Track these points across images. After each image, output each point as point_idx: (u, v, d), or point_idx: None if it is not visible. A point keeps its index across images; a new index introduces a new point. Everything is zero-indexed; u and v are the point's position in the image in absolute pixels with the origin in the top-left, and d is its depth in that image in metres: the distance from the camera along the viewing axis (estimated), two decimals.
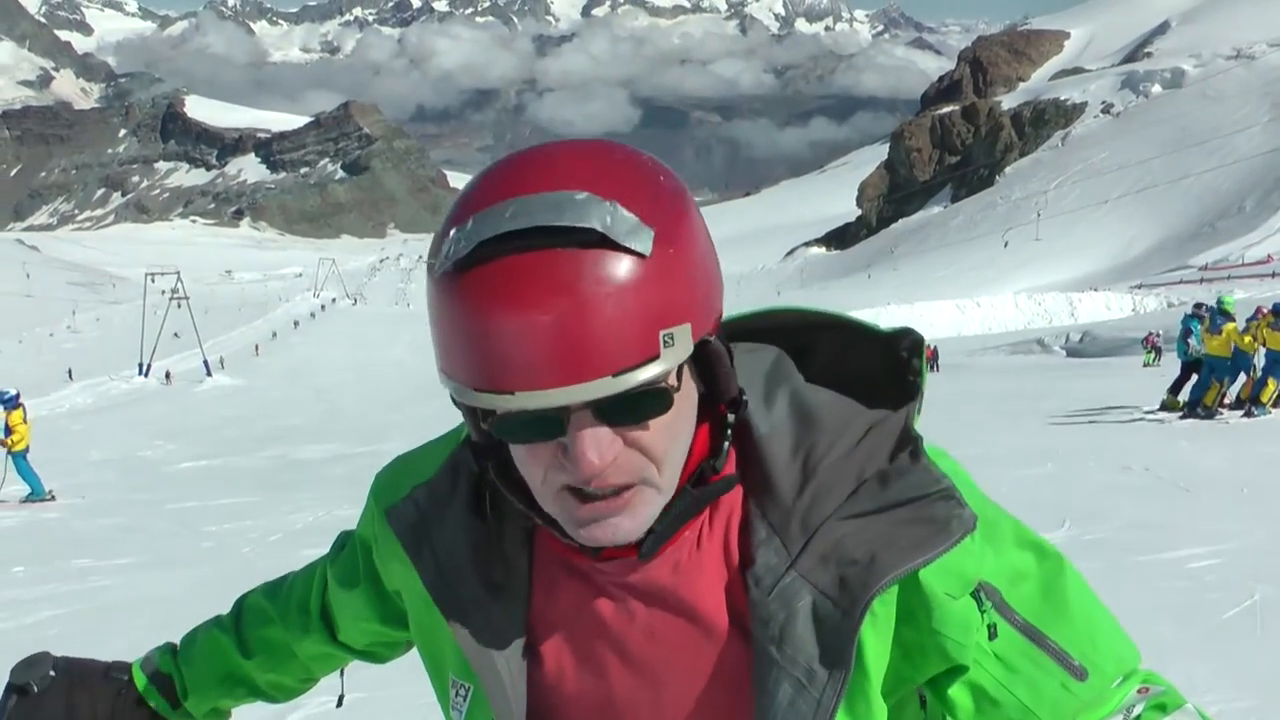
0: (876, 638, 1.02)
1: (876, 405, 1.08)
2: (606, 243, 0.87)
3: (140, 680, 1.44)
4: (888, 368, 1.10)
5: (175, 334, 77.69)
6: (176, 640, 1.52)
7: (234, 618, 1.50)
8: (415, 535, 1.18)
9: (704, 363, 0.98)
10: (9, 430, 17.28)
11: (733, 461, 1.07)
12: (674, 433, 0.97)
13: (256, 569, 9.86)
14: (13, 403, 17.75)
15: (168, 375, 58.45)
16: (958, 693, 1.07)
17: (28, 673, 1.34)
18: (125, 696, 1.42)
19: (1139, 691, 1.14)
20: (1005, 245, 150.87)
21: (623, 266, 0.87)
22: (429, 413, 28.00)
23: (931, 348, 40.18)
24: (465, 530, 1.14)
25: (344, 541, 1.44)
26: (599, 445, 0.91)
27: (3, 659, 5.40)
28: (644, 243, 0.88)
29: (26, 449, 17.22)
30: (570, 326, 0.86)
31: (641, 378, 0.88)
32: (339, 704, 1.53)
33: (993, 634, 1.05)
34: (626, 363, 0.88)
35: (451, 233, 0.91)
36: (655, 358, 0.89)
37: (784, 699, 1.00)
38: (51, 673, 1.36)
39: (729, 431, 1.03)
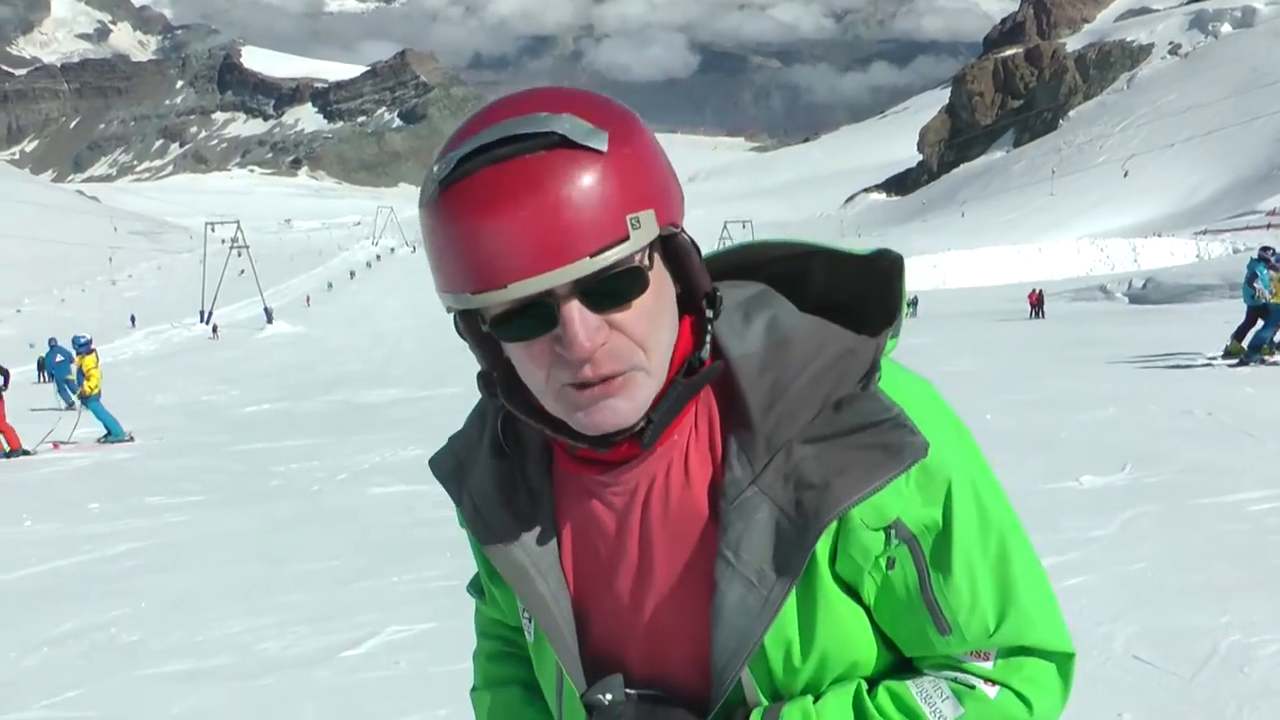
0: (824, 542, 1.13)
1: (862, 331, 1.16)
2: (567, 143, 0.99)
3: None
4: (876, 291, 1.19)
5: (241, 271, 78.38)
6: None
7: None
8: (455, 480, 1.32)
9: (674, 256, 1.10)
10: (82, 375, 17.72)
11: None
12: (656, 319, 1.06)
13: (324, 506, 10.15)
14: (85, 348, 18.19)
15: (215, 329, 58.37)
16: (864, 599, 1.17)
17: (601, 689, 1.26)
18: None
19: (984, 681, 1.17)
20: (1125, 175, 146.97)
21: (584, 162, 0.98)
22: None
23: (1036, 292, 39.57)
24: (492, 469, 1.27)
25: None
26: (588, 328, 1.01)
27: (86, 588, 5.69)
28: (600, 142, 1.00)
29: (99, 393, 17.66)
30: (546, 217, 0.97)
31: (615, 256, 0.99)
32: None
33: (890, 565, 1.13)
34: (600, 244, 0.98)
35: (435, 167, 1.03)
36: (625, 238, 0.99)
37: (734, 597, 1.11)
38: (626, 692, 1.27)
39: (709, 327, 1.13)
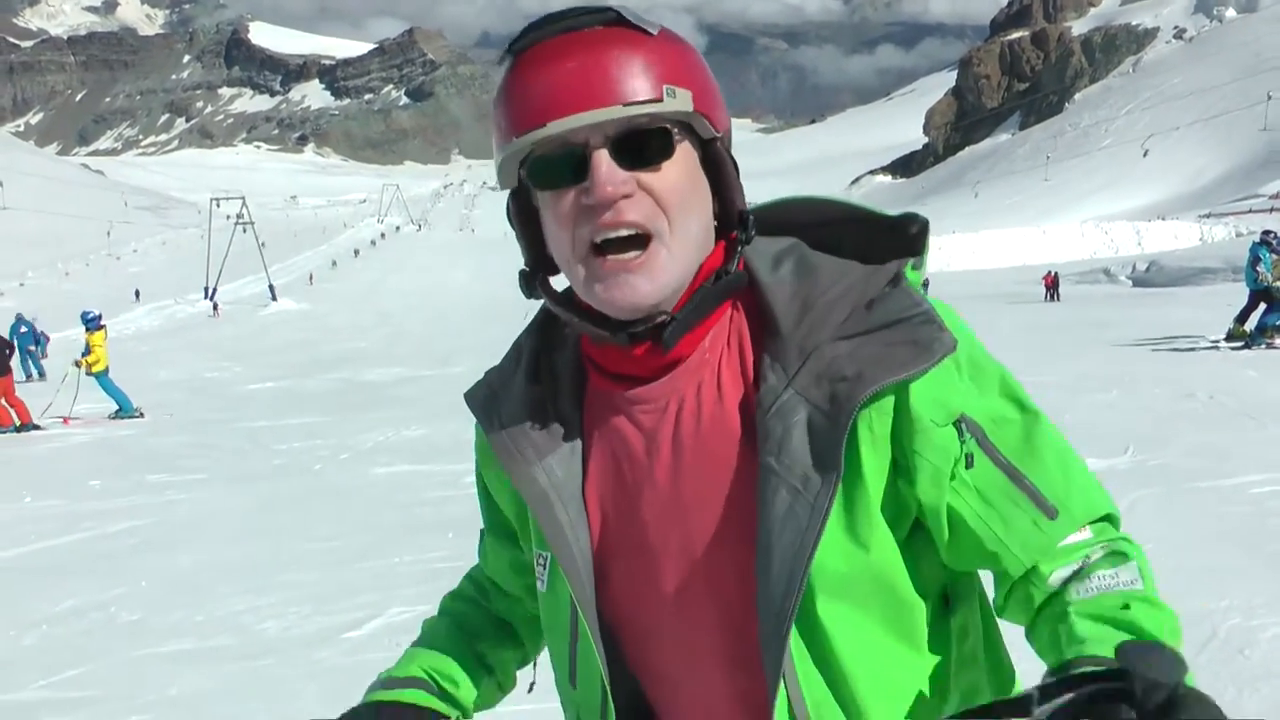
0: (874, 453, 1.14)
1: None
2: (623, 21, 1.12)
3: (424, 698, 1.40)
4: (899, 248, 1.25)
5: (263, 244, 77.88)
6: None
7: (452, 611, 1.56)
8: (486, 409, 1.33)
9: (712, 163, 1.18)
10: (88, 350, 17.71)
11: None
12: (684, 199, 1.14)
13: (326, 485, 10.16)
14: (94, 324, 18.16)
15: (215, 307, 57.88)
16: (937, 517, 1.18)
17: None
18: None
19: (1101, 547, 1.20)
20: (1145, 154, 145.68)
21: (633, 37, 1.11)
22: (494, 335, 28.18)
23: (1052, 274, 39.36)
24: (526, 397, 1.30)
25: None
26: (613, 175, 1.09)
27: (86, 566, 5.67)
28: (652, 28, 1.13)
29: (106, 369, 17.65)
30: (589, 68, 1.09)
31: (647, 112, 1.09)
32: (530, 689, 1.56)
33: (969, 463, 1.16)
34: (634, 98, 1.09)
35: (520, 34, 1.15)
36: (659, 101, 1.10)
37: (781, 506, 1.11)
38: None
39: (739, 247, 1.20)
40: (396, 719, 1.32)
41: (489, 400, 1.35)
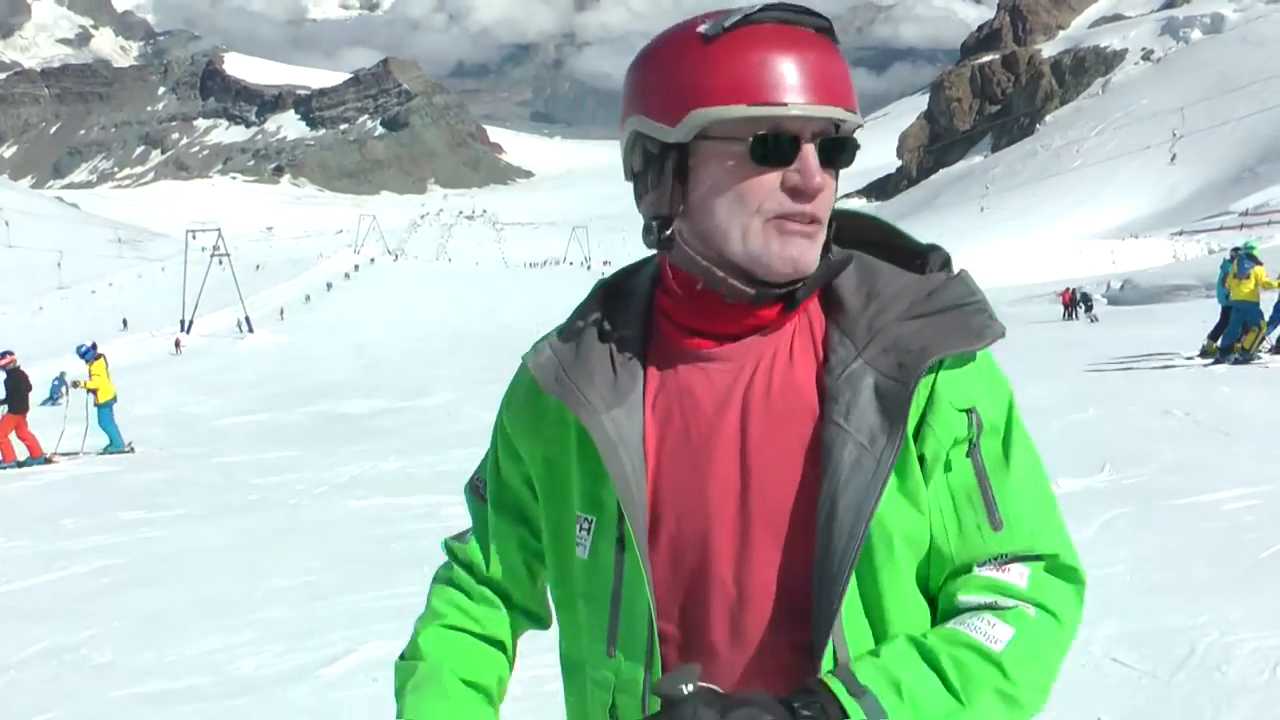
0: (913, 415, 1.26)
1: None
2: (831, 34, 1.26)
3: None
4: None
5: (257, 266, 77.23)
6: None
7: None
8: (549, 370, 1.38)
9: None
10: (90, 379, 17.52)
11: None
12: (835, 196, 1.31)
13: (302, 519, 10.06)
14: (91, 354, 17.95)
15: (177, 344, 56.10)
16: (931, 481, 1.29)
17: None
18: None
19: (1019, 604, 1.24)
20: (1173, 160, 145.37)
21: (837, 50, 1.26)
22: (472, 365, 28.22)
23: (1069, 291, 39.09)
24: (590, 351, 1.37)
25: (475, 486, 1.58)
26: (820, 171, 1.23)
27: (58, 607, 5.56)
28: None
29: (113, 399, 17.44)
30: (831, 66, 1.23)
31: (855, 121, 1.25)
32: None
33: (969, 452, 1.29)
34: (852, 106, 1.24)
35: (730, 11, 1.24)
36: (856, 115, 1.25)
37: (849, 459, 1.23)
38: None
39: (830, 243, 1.34)
40: None
41: (551, 360, 1.39)
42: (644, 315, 1.40)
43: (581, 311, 1.44)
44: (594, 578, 1.36)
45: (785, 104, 1.20)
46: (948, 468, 1.28)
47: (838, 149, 1.26)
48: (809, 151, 1.23)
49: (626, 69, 1.37)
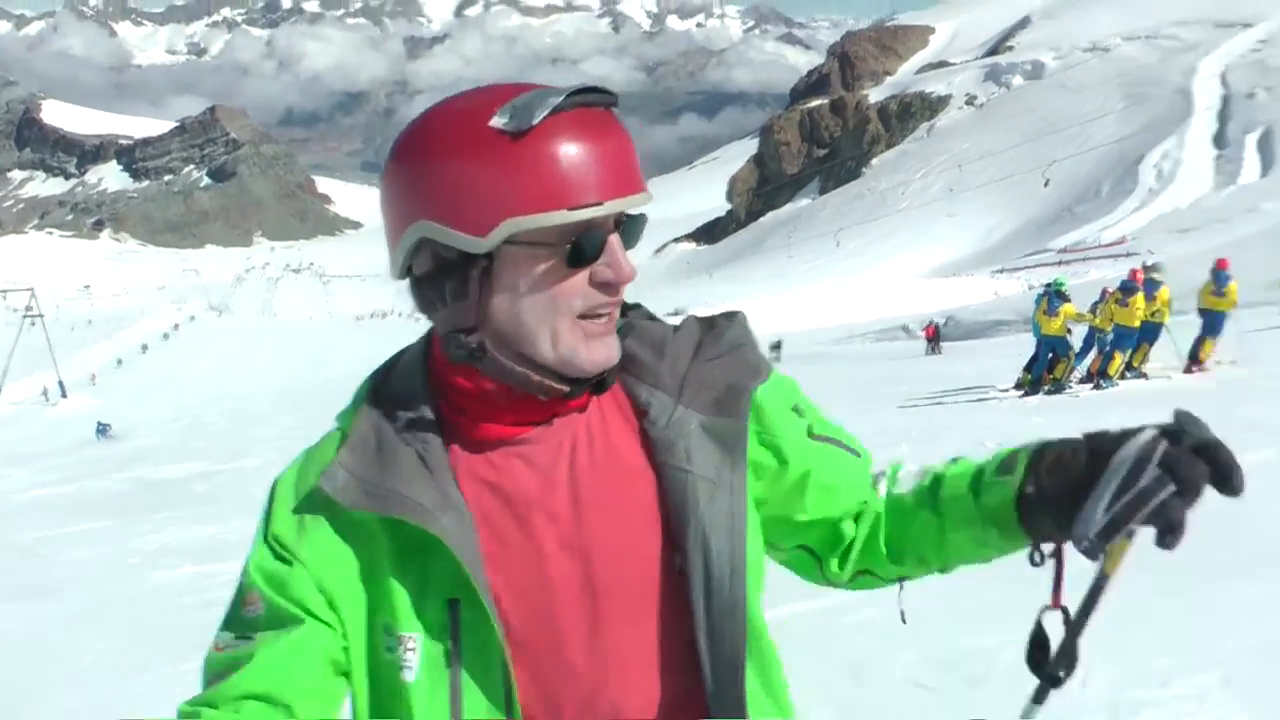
0: (752, 441, 1.37)
1: None
2: (615, 107, 1.23)
3: None
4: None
5: (72, 327, 73.10)
6: None
7: None
8: (353, 489, 1.24)
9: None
10: None
11: None
12: None
13: (107, 594, 9.56)
14: None
15: None
16: (803, 479, 1.43)
17: None
18: None
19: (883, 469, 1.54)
20: (1046, 184, 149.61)
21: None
22: (294, 422, 27.45)
23: (933, 325, 39.86)
24: (396, 455, 1.27)
25: (241, 613, 1.35)
26: (627, 259, 1.23)
27: None
28: None
29: None
30: (628, 148, 1.21)
31: (648, 199, 1.23)
32: None
33: (809, 432, 1.44)
34: (645, 184, 1.23)
35: (518, 101, 1.16)
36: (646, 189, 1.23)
37: (704, 498, 1.27)
38: None
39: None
40: None
41: (347, 479, 1.25)
42: (428, 410, 1.30)
43: (359, 420, 1.31)
44: (425, 698, 1.23)
45: (599, 203, 1.16)
46: (804, 429, 1.43)
47: (635, 231, 1.26)
48: (615, 243, 1.21)
49: (395, 157, 1.24)
